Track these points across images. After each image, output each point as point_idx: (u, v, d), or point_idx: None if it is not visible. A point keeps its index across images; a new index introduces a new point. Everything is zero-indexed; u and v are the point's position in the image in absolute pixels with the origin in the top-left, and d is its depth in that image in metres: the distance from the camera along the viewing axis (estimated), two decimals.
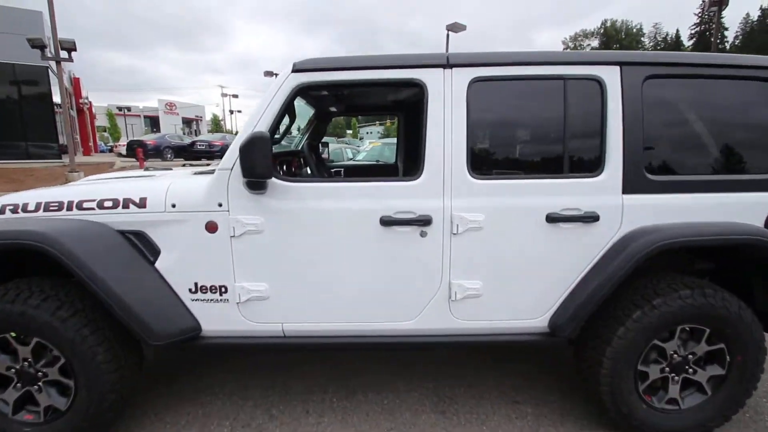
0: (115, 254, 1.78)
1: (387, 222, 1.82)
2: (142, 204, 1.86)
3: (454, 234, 1.84)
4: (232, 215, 1.83)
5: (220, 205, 1.83)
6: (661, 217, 1.85)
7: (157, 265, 1.86)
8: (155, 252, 1.87)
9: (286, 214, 1.83)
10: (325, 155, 4.48)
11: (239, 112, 54.58)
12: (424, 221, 1.82)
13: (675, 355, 1.90)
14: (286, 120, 2.85)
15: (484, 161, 1.93)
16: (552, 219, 1.83)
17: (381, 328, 1.94)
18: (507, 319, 1.94)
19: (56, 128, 17.52)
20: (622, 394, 1.88)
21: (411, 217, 1.82)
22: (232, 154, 1.80)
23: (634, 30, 68.59)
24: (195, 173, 2.30)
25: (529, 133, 1.98)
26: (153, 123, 49.45)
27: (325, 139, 4.03)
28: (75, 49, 11.26)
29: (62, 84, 12.75)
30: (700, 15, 60.10)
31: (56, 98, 16.80)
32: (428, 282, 1.89)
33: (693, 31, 61.12)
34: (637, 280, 1.88)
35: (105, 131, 43.51)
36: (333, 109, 3.31)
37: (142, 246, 1.87)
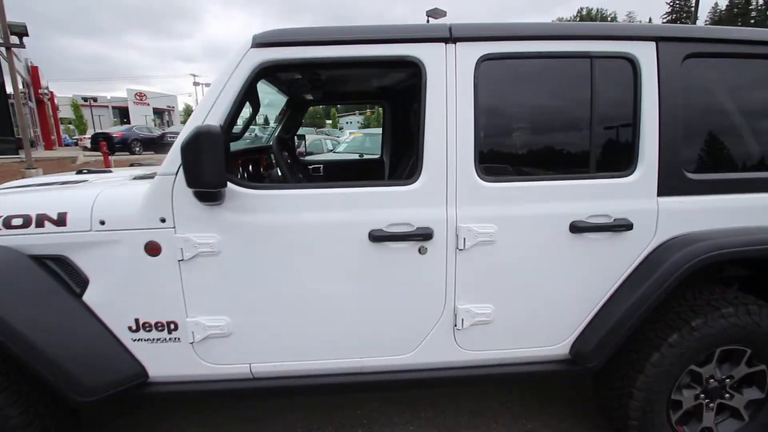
0: (26, 287, 1.37)
1: (378, 237, 1.47)
2: (61, 221, 1.44)
3: (460, 250, 1.51)
4: (180, 233, 1.43)
5: (163, 220, 1.43)
6: (701, 222, 1.58)
7: (85, 298, 1.45)
8: (82, 282, 1.46)
9: (250, 230, 1.46)
10: (301, 149, 4.05)
11: None
12: (423, 235, 1.48)
13: (711, 380, 1.68)
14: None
15: (497, 160, 1.59)
16: (577, 228, 1.52)
17: (372, 364, 1.60)
18: (521, 347, 1.64)
19: (11, 121, 16.25)
20: (654, 427, 1.65)
21: (407, 230, 1.48)
22: (175, 155, 1.41)
23: (609, 18, 69.77)
24: (134, 177, 1.88)
25: (551, 125, 1.64)
26: (122, 114, 47.22)
27: (302, 130, 3.60)
28: (26, 34, 10.49)
29: (14, 72, 11.74)
30: (671, 3, 61.43)
31: (9, 88, 15.55)
32: (429, 308, 1.56)
33: (665, 20, 62.44)
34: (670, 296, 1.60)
35: (70, 123, 41.23)
36: (308, 96, 2.89)
37: (65, 275, 1.45)
